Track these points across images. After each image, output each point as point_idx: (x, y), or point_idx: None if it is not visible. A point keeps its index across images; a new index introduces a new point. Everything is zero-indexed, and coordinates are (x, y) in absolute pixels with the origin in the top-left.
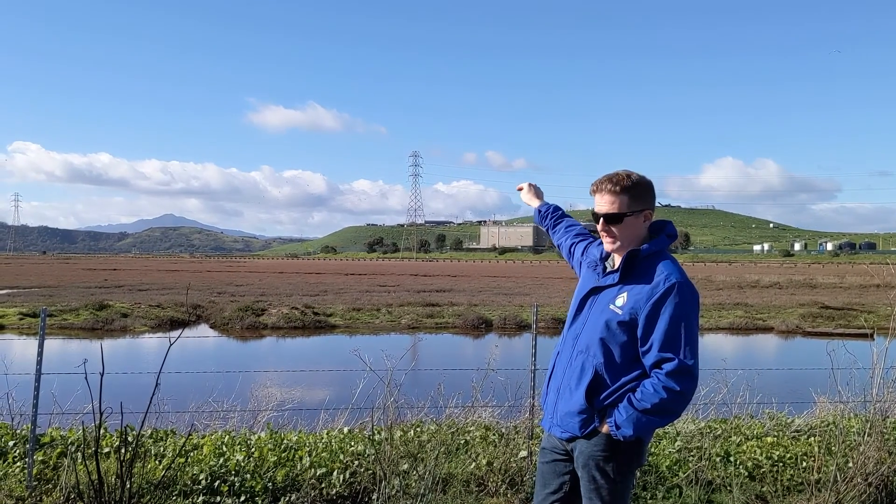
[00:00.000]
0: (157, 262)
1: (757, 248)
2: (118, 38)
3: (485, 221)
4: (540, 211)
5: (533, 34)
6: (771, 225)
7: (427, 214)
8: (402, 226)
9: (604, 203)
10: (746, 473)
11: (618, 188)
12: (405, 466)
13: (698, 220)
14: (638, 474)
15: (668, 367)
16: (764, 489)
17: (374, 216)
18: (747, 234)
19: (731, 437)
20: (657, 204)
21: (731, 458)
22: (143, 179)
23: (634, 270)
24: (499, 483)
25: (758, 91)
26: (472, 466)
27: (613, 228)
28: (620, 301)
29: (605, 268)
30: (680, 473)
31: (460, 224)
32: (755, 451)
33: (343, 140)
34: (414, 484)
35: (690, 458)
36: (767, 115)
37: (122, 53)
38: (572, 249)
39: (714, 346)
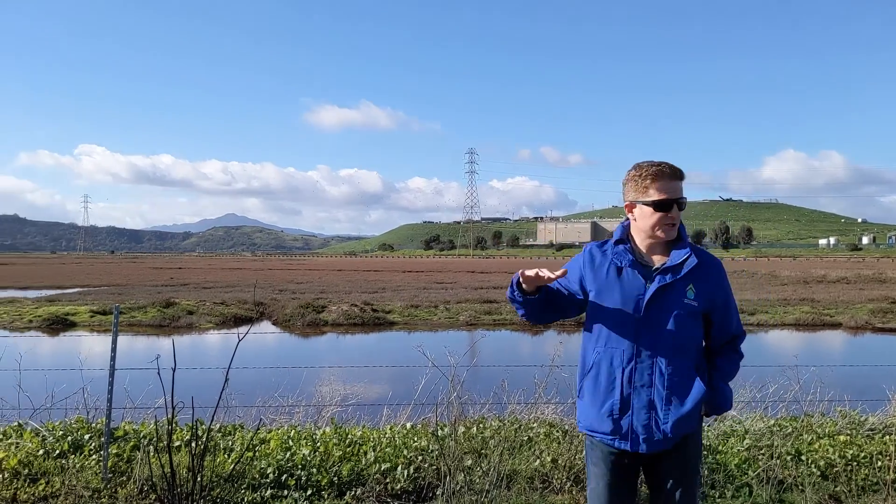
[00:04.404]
0: (220, 260)
1: (823, 242)
2: (177, 43)
3: (541, 217)
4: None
5: (589, 29)
6: (860, 220)
7: (482, 211)
8: (458, 223)
9: (678, 189)
10: (819, 473)
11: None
12: (469, 462)
13: (761, 215)
14: (706, 472)
15: (740, 341)
16: (837, 489)
17: (430, 213)
18: (812, 228)
19: (802, 435)
20: (718, 198)
21: (803, 457)
22: (204, 180)
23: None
24: (563, 480)
25: (821, 83)
26: (536, 463)
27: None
28: (692, 293)
29: (642, 264)
30: (749, 472)
31: (516, 220)
32: (827, 449)
33: (397, 138)
34: (478, 480)
35: (760, 457)
36: (831, 106)
37: (178, 56)
38: (573, 282)
39: (781, 342)
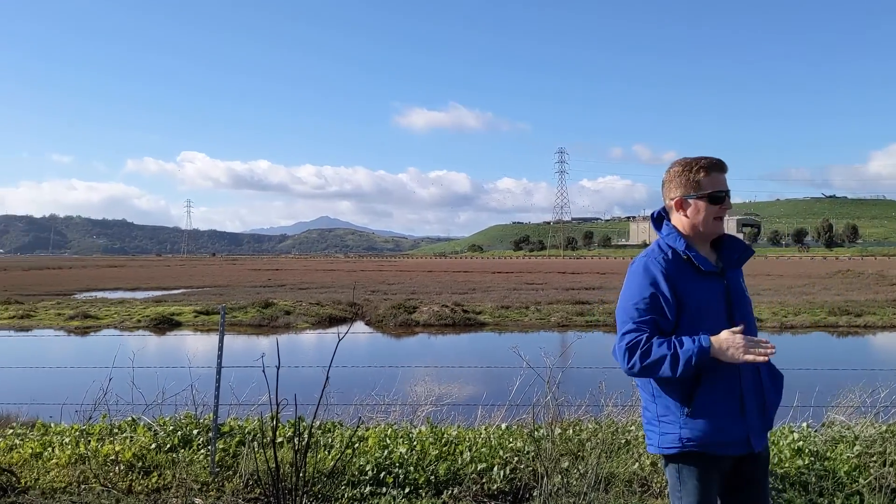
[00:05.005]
0: (314, 262)
1: None
2: (271, 49)
3: (634, 217)
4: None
5: (679, 24)
6: None
7: (573, 211)
8: (548, 223)
9: (726, 181)
10: None
11: None
12: (566, 464)
13: (867, 212)
14: (814, 479)
15: None
16: None
17: (520, 214)
18: None
19: None
20: (821, 195)
21: None
22: (299, 184)
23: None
24: (663, 485)
25: None
26: (634, 466)
27: None
28: (744, 283)
29: (699, 261)
30: (860, 480)
31: (608, 220)
32: None
33: (486, 139)
34: (575, 482)
35: (872, 464)
36: None
37: (273, 66)
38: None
39: (891, 344)
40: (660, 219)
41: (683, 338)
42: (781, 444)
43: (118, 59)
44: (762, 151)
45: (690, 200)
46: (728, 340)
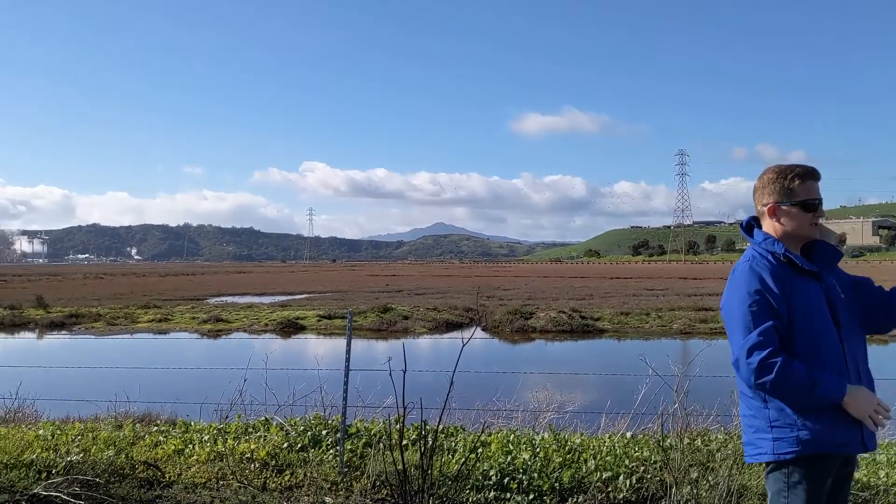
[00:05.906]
0: (430, 267)
1: None
2: (386, 59)
3: None
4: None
5: (805, 21)
6: None
7: (694, 214)
8: (669, 227)
9: (819, 190)
10: None
11: None
12: (695, 475)
13: None
14: None
15: None
16: None
17: (638, 218)
18: None
19: None
20: None
21: None
22: (415, 191)
23: None
24: None
25: None
26: None
27: None
28: (839, 288)
29: (799, 260)
30: None
31: (732, 224)
32: None
33: (602, 142)
34: (705, 494)
35: None
36: None
37: (389, 74)
38: (783, 309)
39: None
40: (749, 227)
41: (828, 378)
42: None
43: (242, 84)
44: None
45: (784, 207)
46: (863, 398)
